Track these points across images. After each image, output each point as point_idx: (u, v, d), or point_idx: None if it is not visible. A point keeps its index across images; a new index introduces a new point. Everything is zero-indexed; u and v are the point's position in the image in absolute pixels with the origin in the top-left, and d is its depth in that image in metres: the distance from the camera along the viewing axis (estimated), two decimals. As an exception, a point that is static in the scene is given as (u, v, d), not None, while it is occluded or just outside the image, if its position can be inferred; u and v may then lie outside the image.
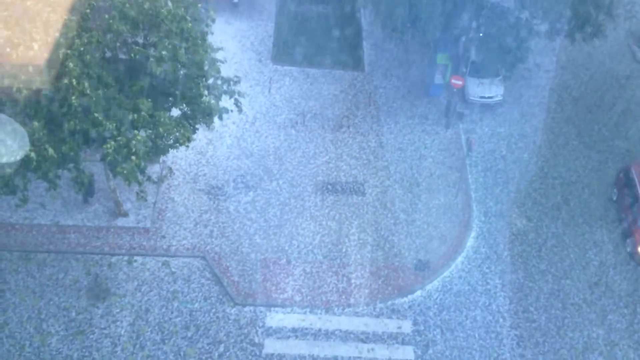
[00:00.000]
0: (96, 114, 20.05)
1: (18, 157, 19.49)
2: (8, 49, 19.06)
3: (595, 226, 27.69)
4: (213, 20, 23.67)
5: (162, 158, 26.97)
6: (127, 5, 20.82)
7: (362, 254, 25.88)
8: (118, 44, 21.66)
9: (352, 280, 25.07)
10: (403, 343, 23.56)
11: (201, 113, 22.86)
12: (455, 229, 27.13)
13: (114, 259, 25.10)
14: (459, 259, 26.22)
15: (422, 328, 24.03)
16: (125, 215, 26.26)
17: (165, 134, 21.89)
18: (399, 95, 32.65)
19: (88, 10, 20.71)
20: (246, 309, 24.13)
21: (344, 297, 24.62)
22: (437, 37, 30.65)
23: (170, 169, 24.67)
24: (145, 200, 23.06)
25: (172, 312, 23.79)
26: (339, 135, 30.42)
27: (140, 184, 21.67)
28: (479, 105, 32.25)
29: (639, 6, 36.91)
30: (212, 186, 27.78)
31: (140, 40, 21.88)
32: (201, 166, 28.46)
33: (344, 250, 26.01)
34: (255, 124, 30.45)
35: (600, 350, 23.85)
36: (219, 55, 23.53)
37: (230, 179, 28.13)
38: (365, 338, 23.59)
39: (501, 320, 24.43)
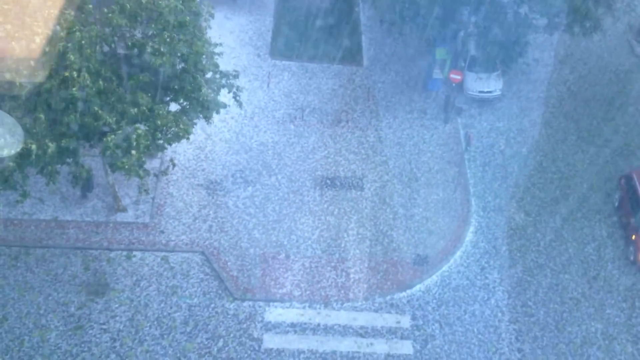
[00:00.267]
0: (96, 108, 20.06)
1: (18, 150, 19.51)
2: (9, 43, 19.06)
3: (594, 220, 27.70)
4: (212, 15, 23.66)
5: (160, 153, 26.92)
6: None
7: (360, 249, 25.89)
8: (116, 38, 21.64)
9: (351, 275, 25.09)
10: (402, 338, 23.59)
11: (200, 107, 22.84)
12: (454, 223, 27.15)
13: (112, 254, 25.10)
14: (458, 253, 26.24)
15: (420, 323, 24.06)
16: (124, 210, 26.25)
17: (164, 128, 21.88)
18: (397, 89, 32.63)
19: (90, 6, 20.76)
20: (245, 303, 24.14)
21: (342, 291, 24.64)
22: (436, 31, 30.63)
23: (172, 161, 24.65)
24: (148, 193, 23.04)
25: (171, 307, 23.79)
26: (337, 130, 30.41)
27: (141, 177, 21.66)
28: (478, 99, 32.23)
29: (637, 0, 36.89)
30: (210, 181, 27.77)
31: (139, 34, 21.85)
32: (200, 161, 28.44)
33: (342, 245, 26.02)
34: (254, 118, 30.42)
35: (599, 344, 23.90)
36: (217, 50, 23.52)
37: (229, 174, 28.12)
38: (364, 333, 23.62)
39: (500, 314, 24.47)
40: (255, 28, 35.06)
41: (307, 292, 24.49)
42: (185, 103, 22.97)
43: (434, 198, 27.97)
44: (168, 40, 21.09)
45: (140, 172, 21.45)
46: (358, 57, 34.17)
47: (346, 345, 23.24)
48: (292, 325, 23.67)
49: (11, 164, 19.72)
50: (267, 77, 32.38)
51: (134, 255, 25.12)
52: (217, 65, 23.27)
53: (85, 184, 24.75)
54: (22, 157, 19.82)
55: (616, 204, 27.87)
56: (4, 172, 20.14)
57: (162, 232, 25.85)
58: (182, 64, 22.09)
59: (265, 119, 30.49)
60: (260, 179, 28.03)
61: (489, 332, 23.97)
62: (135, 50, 21.37)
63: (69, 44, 19.77)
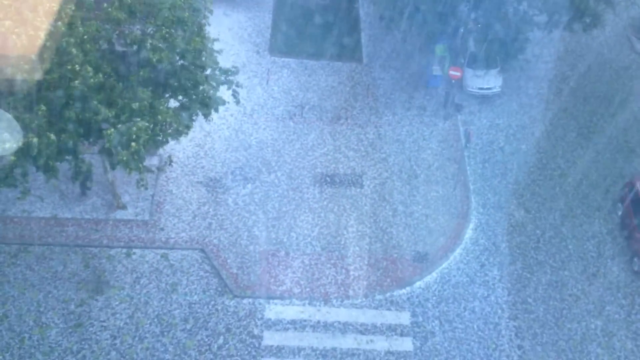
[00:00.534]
0: (95, 102, 20.08)
1: (20, 144, 19.50)
2: (9, 37, 19.06)
3: (593, 217, 27.70)
4: (210, 12, 23.62)
5: (159, 150, 26.90)
6: None
7: (360, 246, 25.89)
8: (116, 35, 21.64)
9: (351, 272, 25.09)
10: (402, 334, 23.60)
11: (199, 103, 22.81)
12: (454, 220, 27.14)
13: (112, 252, 25.08)
14: (458, 250, 26.24)
15: (420, 319, 24.07)
16: (124, 207, 26.22)
17: (163, 123, 21.86)
18: (397, 86, 32.59)
19: (92, 0, 20.79)
20: (245, 301, 24.14)
21: (342, 289, 24.64)
22: (436, 28, 30.58)
23: (170, 157, 24.65)
24: (146, 188, 23.03)
25: (171, 305, 23.79)
26: (337, 127, 30.38)
27: (140, 171, 21.60)
28: (478, 96, 32.21)
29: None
30: (210, 178, 27.75)
31: (138, 30, 21.84)
32: (199, 158, 28.41)
33: (342, 242, 26.01)
34: (253, 116, 30.39)
35: (599, 341, 23.92)
36: (216, 46, 23.47)
37: (228, 171, 28.09)
38: (364, 330, 23.63)
39: (499, 311, 24.48)
40: (254, 25, 35.01)
41: (307, 290, 24.49)
42: (184, 99, 22.95)
43: (433, 195, 27.96)
44: (167, 36, 21.09)
45: (140, 166, 21.42)
46: (357, 54, 34.12)
47: (346, 342, 23.26)
48: (292, 322, 23.68)
49: (12, 157, 19.70)
50: (266, 74, 32.33)
51: (134, 253, 25.10)
52: (217, 62, 23.23)
53: (84, 179, 24.67)
54: (23, 151, 19.81)
55: (619, 212, 27.40)
56: (5, 169, 20.13)
57: (162, 229, 25.84)
58: (181, 61, 22.08)
59: (264, 116, 30.46)
60: (259, 176, 28.01)
61: (488, 328, 23.99)
62: (135, 46, 21.38)
63: (71, 39, 19.82)
